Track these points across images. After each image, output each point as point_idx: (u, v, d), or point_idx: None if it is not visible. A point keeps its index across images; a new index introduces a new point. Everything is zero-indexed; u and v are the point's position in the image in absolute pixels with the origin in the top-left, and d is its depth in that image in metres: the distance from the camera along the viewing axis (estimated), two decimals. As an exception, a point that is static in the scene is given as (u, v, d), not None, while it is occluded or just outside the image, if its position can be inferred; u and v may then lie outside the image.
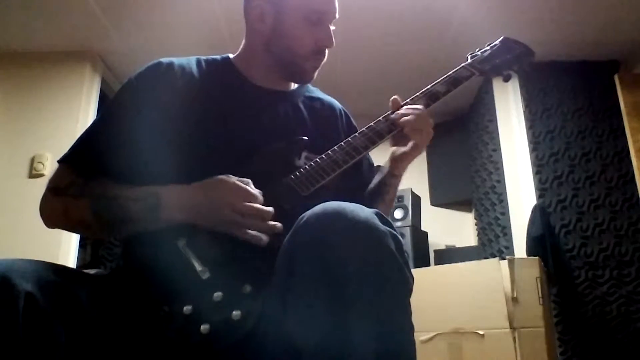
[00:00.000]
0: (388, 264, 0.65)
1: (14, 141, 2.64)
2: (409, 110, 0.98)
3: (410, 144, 0.99)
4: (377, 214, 0.69)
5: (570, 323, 2.49)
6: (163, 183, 0.87)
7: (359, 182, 1.09)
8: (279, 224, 0.81)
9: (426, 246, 3.11)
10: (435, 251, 3.15)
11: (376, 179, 1.08)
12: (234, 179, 0.84)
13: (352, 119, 1.16)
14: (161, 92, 0.96)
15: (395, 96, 1.03)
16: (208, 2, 2.44)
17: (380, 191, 1.05)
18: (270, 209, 0.82)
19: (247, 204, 0.81)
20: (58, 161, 0.94)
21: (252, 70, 1.06)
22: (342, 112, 1.15)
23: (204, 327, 0.73)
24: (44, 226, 0.92)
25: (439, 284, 2.15)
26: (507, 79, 1.12)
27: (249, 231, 0.80)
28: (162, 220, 0.84)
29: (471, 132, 3.44)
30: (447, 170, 3.50)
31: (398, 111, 0.99)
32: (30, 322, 0.64)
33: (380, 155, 1.16)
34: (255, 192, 0.83)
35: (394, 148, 1.03)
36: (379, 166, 1.12)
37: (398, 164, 1.02)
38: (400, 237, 0.69)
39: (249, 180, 0.85)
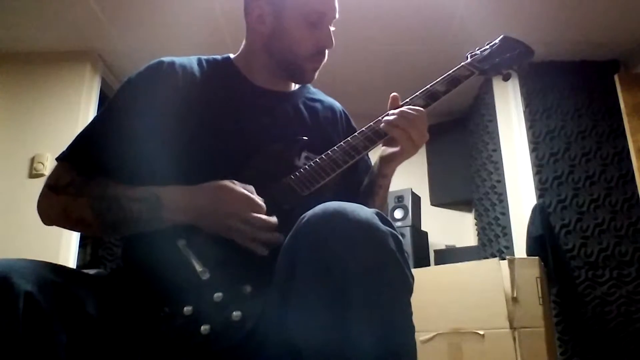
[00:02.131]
0: (389, 264, 0.65)
1: (14, 141, 2.64)
2: (399, 115, 0.95)
3: (399, 146, 0.97)
4: (377, 214, 0.68)
5: (570, 323, 2.49)
6: (162, 182, 0.87)
7: (358, 182, 1.09)
8: (281, 236, 0.80)
9: (426, 246, 3.11)
10: (435, 251, 3.15)
11: (366, 180, 1.07)
12: (239, 186, 0.84)
13: (351, 121, 1.16)
14: (162, 91, 0.96)
15: (394, 93, 1.01)
16: (208, 2, 2.44)
17: (370, 192, 1.04)
18: (275, 219, 0.82)
19: (255, 215, 0.81)
20: (56, 159, 0.94)
21: (253, 71, 1.06)
22: (342, 114, 1.15)
23: (204, 328, 0.73)
24: (44, 226, 0.92)
25: (439, 284, 2.15)
26: (506, 78, 1.12)
27: (251, 242, 0.81)
28: (163, 221, 0.84)
29: (471, 132, 3.44)
30: (447, 170, 3.50)
31: (387, 116, 0.96)
32: (30, 322, 0.64)
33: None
34: (261, 202, 0.83)
35: (384, 147, 1.02)
36: None
37: (387, 164, 1.01)
38: (400, 237, 0.69)
39: (252, 188, 0.85)
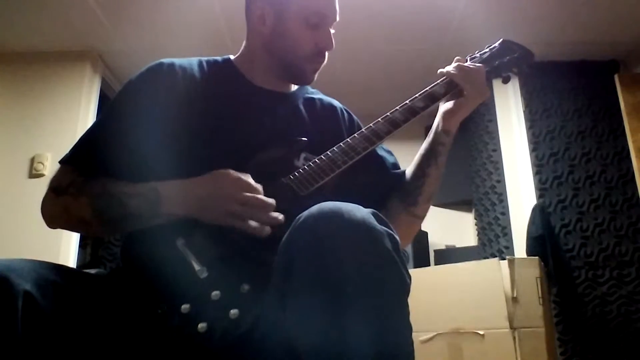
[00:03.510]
0: (385, 264, 0.65)
1: (14, 141, 2.64)
2: (463, 63, 1.03)
3: (464, 96, 1.01)
4: (374, 214, 0.68)
5: (570, 323, 2.49)
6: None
7: (361, 182, 1.09)
8: (281, 215, 0.81)
9: (426, 246, 3.11)
10: (435, 251, 3.15)
11: (425, 143, 1.06)
12: (233, 172, 0.84)
13: (353, 116, 1.16)
14: (162, 92, 0.96)
15: (458, 57, 1.07)
16: (208, 3, 2.45)
17: (433, 153, 1.03)
18: (272, 200, 0.83)
19: (249, 194, 0.81)
20: (59, 162, 0.95)
21: (253, 72, 1.06)
22: (343, 111, 1.15)
23: (202, 326, 0.74)
24: (44, 226, 0.92)
25: (439, 284, 2.15)
26: (506, 81, 1.13)
27: (251, 223, 0.80)
28: (162, 214, 0.84)
29: (471, 132, 3.43)
30: (447, 170, 3.43)
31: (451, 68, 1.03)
32: (29, 322, 0.64)
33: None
34: (256, 184, 0.84)
35: (446, 103, 1.04)
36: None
37: (451, 117, 1.02)
38: (397, 236, 0.69)
39: (249, 175, 0.85)
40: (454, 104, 1.02)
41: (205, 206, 0.83)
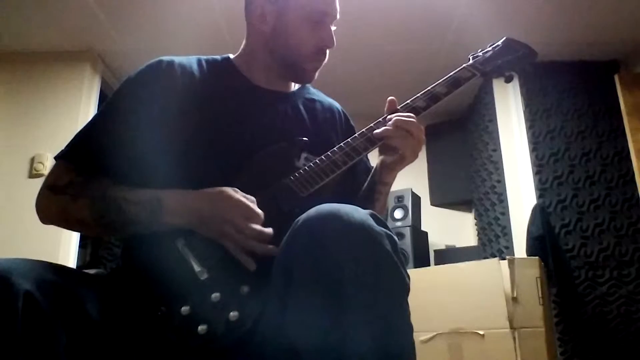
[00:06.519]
0: (385, 265, 0.65)
1: (14, 141, 2.64)
2: (394, 126, 0.93)
3: (398, 154, 0.96)
4: (372, 215, 0.69)
5: (570, 323, 2.49)
6: (162, 182, 0.87)
7: (357, 183, 1.09)
8: (273, 248, 0.79)
9: (426, 246, 3.11)
10: (435, 251, 3.14)
11: (366, 185, 1.07)
12: (240, 194, 0.83)
13: (350, 120, 1.16)
14: (161, 90, 0.96)
15: (391, 97, 1.00)
16: (208, 2, 2.44)
17: (370, 198, 1.04)
18: (270, 230, 0.81)
19: (250, 225, 0.80)
20: (55, 157, 0.93)
21: (253, 71, 1.06)
22: (341, 113, 1.15)
23: (201, 328, 0.74)
24: (44, 226, 0.92)
25: (439, 284, 2.15)
26: (509, 80, 1.11)
27: (242, 252, 0.80)
28: (163, 224, 0.84)
29: (471, 132, 3.43)
30: (447, 170, 3.50)
31: (383, 127, 0.94)
32: (29, 322, 0.64)
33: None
34: (259, 211, 0.82)
35: (383, 157, 1.01)
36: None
37: (388, 172, 1.01)
38: (395, 237, 0.69)
39: (254, 198, 0.84)
40: (391, 164, 0.99)
41: (204, 223, 0.83)
